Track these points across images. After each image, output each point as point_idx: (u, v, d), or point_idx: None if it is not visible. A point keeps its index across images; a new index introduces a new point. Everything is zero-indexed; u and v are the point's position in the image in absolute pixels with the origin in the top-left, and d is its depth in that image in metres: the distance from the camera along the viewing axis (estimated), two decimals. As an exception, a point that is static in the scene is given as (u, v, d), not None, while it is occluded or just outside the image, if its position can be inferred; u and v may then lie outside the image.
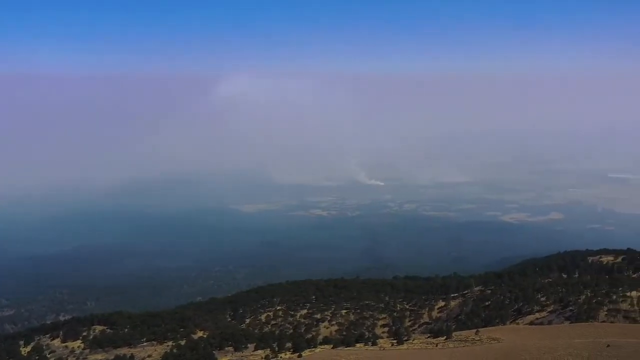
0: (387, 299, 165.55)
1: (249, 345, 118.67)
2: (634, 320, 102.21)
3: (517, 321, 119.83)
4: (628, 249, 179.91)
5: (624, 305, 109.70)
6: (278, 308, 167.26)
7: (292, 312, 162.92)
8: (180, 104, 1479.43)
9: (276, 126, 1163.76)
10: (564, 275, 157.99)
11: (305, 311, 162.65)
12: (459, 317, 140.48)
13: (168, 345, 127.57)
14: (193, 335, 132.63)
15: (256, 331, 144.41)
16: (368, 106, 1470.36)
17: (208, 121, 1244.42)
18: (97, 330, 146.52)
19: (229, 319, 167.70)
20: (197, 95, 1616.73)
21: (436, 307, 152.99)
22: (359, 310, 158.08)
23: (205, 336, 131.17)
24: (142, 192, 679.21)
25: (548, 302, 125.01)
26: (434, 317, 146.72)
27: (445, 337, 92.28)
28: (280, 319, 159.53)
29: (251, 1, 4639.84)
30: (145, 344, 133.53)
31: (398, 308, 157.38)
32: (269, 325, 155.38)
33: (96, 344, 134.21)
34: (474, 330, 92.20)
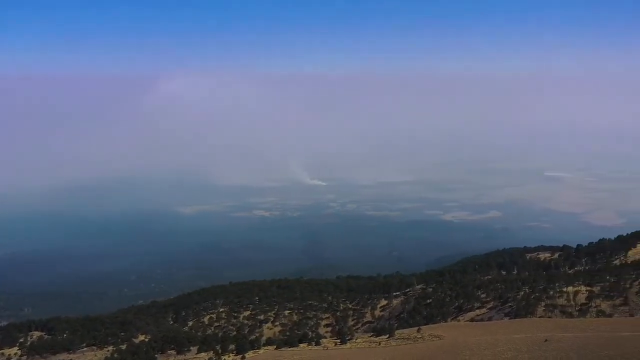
0: (330, 298, 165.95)
1: (191, 348, 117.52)
2: (570, 315, 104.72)
3: (458, 318, 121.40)
4: (564, 245, 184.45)
5: (561, 301, 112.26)
6: (221, 310, 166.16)
7: (235, 314, 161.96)
8: (113, 106, 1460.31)
9: (217, 127, 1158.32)
10: (503, 272, 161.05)
11: (248, 312, 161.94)
12: (401, 315, 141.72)
13: (109, 350, 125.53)
14: (134, 339, 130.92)
15: (199, 334, 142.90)
16: (312, 106, 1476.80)
17: (144, 123, 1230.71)
18: (34, 336, 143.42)
19: (171, 322, 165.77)
20: (132, 96, 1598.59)
21: (379, 306, 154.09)
22: (302, 311, 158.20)
23: (147, 340, 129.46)
24: (79, 195, 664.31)
25: (488, 299, 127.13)
26: (376, 316, 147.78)
27: (387, 335, 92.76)
28: (223, 321, 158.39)
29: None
30: (85, 349, 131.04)
31: (341, 307, 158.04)
32: (212, 328, 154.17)
33: (34, 351, 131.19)
34: (416, 328, 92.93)
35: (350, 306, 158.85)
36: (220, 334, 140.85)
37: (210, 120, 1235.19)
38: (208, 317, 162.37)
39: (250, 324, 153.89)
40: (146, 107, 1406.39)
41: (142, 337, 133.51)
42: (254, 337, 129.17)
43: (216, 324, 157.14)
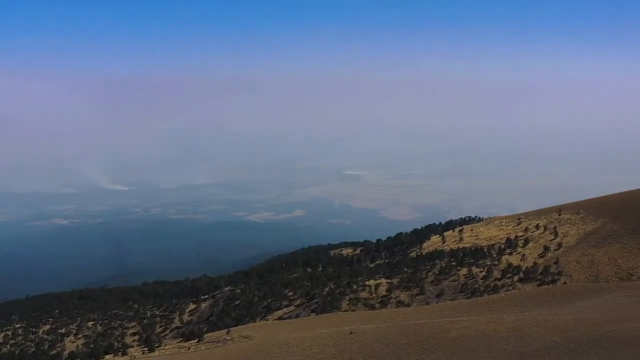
0: (136, 306, 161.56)
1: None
2: (373, 307, 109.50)
3: (267, 317, 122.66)
4: (365, 241, 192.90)
5: (364, 294, 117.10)
6: (17, 326, 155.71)
7: (34, 329, 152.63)
8: None
9: (9, 131, 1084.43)
10: (309, 270, 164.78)
11: (48, 327, 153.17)
12: (211, 318, 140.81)
13: None
14: None
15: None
16: (116, 110, 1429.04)
17: None
18: None
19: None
20: None
21: (187, 310, 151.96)
22: (106, 321, 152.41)
23: None
24: None
25: (295, 297, 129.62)
26: (185, 321, 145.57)
27: (197, 339, 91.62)
28: (20, 338, 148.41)
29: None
30: None
31: (148, 315, 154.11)
32: (8, 346, 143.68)
33: None
34: (226, 330, 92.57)
35: (157, 312, 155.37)
36: (17, 352, 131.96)
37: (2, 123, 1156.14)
38: (3, 334, 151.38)
39: (50, 338, 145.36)
40: None
41: None
42: (55, 352, 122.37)
43: (12, 341, 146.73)
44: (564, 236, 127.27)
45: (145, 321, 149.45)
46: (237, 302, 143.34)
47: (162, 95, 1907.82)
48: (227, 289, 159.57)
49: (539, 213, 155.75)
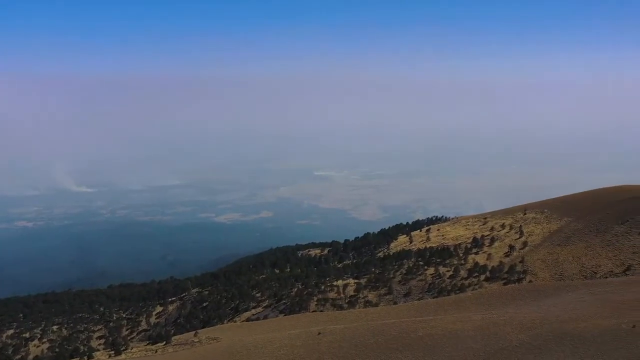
0: (102, 309, 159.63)
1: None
2: (341, 307, 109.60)
3: (234, 319, 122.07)
4: (333, 241, 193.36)
5: (332, 294, 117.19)
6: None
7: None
8: None
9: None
10: (277, 271, 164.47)
11: (12, 331, 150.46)
12: (178, 320, 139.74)
13: None
14: None
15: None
16: (83, 110, 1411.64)
17: None
18: None
19: None
20: None
21: (154, 312, 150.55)
22: (72, 324, 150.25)
23: None
24: None
25: (263, 298, 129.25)
26: (152, 324, 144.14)
27: (164, 342, 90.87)
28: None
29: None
30: None
31: (114, 318, 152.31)
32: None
33: None
34: (193, 332, 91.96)
35: (124, 315, 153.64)
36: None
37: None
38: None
39: (14, 343, 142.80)
40: None
41: None
42: (20, 356, 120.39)
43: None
44: (529, 235, 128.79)
45: (111, 324, 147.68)
46: (204, 304, 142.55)
47: (132, 95, 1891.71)
48: (194, 291, 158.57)
49: (505, 212, 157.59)
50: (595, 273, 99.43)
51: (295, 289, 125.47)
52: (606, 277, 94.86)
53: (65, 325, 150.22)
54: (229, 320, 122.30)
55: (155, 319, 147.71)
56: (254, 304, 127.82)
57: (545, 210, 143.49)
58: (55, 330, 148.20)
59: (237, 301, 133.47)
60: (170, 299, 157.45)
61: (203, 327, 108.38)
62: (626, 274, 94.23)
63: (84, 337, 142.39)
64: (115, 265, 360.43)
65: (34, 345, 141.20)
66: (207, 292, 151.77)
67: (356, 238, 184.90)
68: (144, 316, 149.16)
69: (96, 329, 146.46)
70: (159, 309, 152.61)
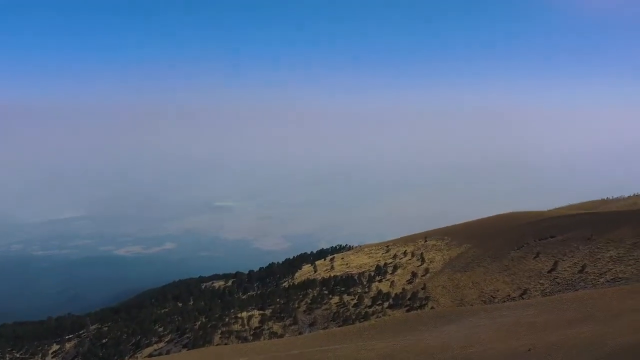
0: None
1: None
2: (246, 339, 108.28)
3: (136, 355, 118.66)
4: (237, 272, 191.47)
5: (236, 327, 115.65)
6: None
7: None
8: None
9: None
10: (180, 304, 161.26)
11: None
12: (76, 358, 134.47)
13: None
14: None
15: None
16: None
17: None
18: None
19: None
20: None
21: (50, 351, 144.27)
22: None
23: None
24: None
25: (166, 332, 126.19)
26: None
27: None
28: None
29: None
30: None
31: (7, 358, 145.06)
32: None
33: None
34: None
35: (17, 355, 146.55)
36: None
37: None
38: None
39: None
40: None
41: None
42: None
43: None
44: (430, 262, 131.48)
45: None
46: (104, 341, 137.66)
47: (31, 123, 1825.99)
48: (93, 327, 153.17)
49: (406, 240, 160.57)
50: (494, 297, 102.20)
51: (199, 322, 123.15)
52: (504, 302, 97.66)
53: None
54: (129, 357, 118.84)
55: (52, 358, 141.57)
56: (156, 339, 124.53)
57: (446, 237, 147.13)
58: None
59: (139, 336, 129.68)
60: (67, 337, 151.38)
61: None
62: (522, 298, 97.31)
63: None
64: (9, 304, 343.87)
65: None
66: (106, 328, 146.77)
67: (260, 268, 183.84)
68: (40, 355, 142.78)
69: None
70: (55, 347, 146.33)
